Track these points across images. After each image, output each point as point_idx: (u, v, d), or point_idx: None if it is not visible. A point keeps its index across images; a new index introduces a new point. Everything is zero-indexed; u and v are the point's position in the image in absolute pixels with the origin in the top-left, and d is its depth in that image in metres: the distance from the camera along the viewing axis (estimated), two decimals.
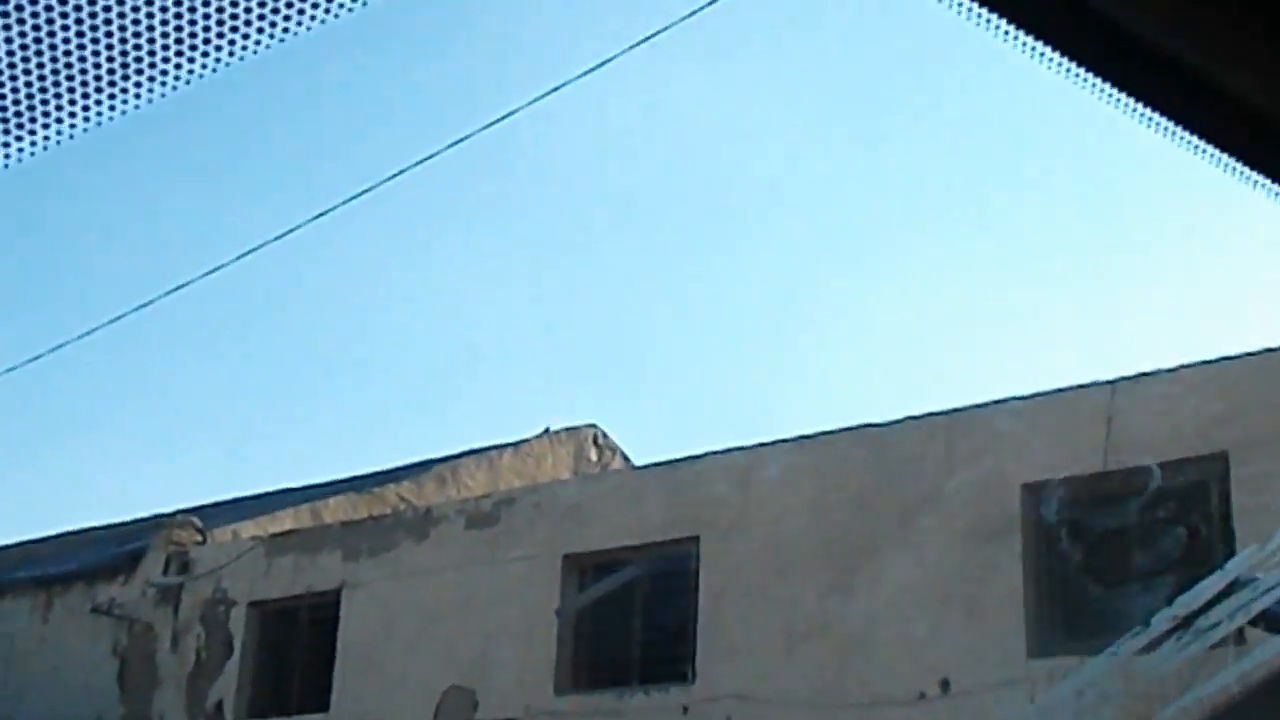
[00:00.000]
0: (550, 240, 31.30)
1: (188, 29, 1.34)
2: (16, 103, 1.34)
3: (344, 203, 11.64)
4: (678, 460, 13.80)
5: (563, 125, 30.43)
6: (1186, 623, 8.40)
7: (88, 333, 13.41)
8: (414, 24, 29.93)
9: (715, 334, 31.80)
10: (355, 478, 19.37)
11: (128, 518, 19.56)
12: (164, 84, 1.35)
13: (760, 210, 30.33)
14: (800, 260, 30.79)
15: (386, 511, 16.86)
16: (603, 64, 9.79)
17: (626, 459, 20.09)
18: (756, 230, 30.47)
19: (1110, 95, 1.47)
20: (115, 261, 32.03)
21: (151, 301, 12.86)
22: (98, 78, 1.35)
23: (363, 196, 11.48)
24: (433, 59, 29.93)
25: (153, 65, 1.35)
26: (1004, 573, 11.63)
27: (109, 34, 1.33)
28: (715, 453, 13.61)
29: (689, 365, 31.63)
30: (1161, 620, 8.55)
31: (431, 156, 10.94)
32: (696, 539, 13.30)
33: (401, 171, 11.21)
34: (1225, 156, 1.52)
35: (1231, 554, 9.47)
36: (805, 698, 12.21)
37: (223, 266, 12.39)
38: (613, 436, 20.43)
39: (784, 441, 13.22)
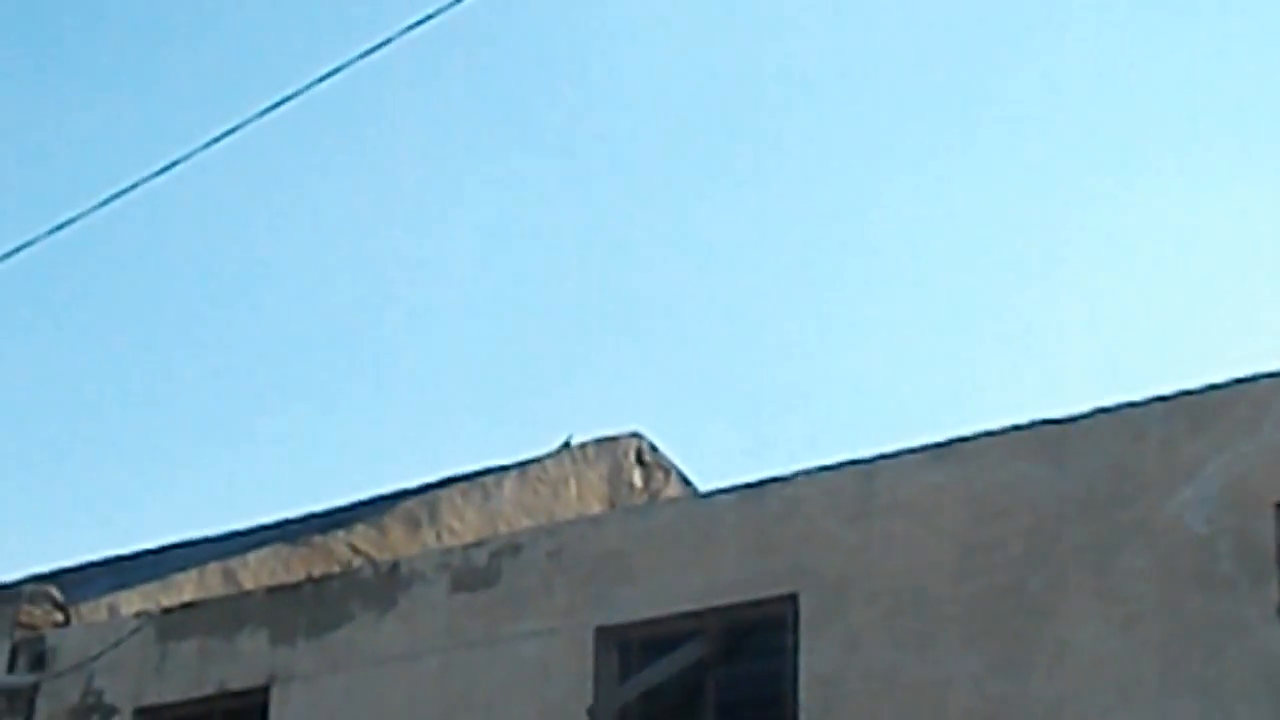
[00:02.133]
0: (555, 162, 31.17)
1: None
2: None
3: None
4: (763, 482, 13.63)
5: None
6: None
7: None
8: None
9: (807, 295, 31.66)
10: (286, 522, 19.31)
11: None
12: None
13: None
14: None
15: (334, 571, 16.82)
16: None
17: (687, 482, 20.00)
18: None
19: None
20: None
21: None
22: None
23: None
24: None
25: None
26: (1254, 634, 11.49)
27: None
28: (817, 469, 13.44)
29: (770, 343, 31.48)
30: None
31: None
32: (794, 598, 13.15)
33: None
34: None
35: None
36: None
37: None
38: (665, 450, 20.34)
39: (917, 450, 13.07)
